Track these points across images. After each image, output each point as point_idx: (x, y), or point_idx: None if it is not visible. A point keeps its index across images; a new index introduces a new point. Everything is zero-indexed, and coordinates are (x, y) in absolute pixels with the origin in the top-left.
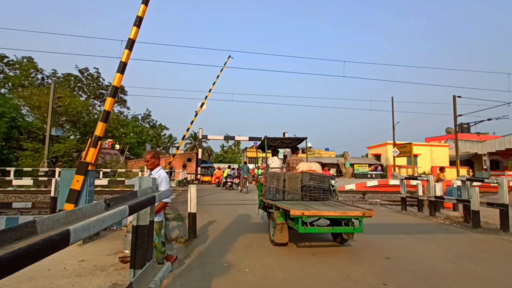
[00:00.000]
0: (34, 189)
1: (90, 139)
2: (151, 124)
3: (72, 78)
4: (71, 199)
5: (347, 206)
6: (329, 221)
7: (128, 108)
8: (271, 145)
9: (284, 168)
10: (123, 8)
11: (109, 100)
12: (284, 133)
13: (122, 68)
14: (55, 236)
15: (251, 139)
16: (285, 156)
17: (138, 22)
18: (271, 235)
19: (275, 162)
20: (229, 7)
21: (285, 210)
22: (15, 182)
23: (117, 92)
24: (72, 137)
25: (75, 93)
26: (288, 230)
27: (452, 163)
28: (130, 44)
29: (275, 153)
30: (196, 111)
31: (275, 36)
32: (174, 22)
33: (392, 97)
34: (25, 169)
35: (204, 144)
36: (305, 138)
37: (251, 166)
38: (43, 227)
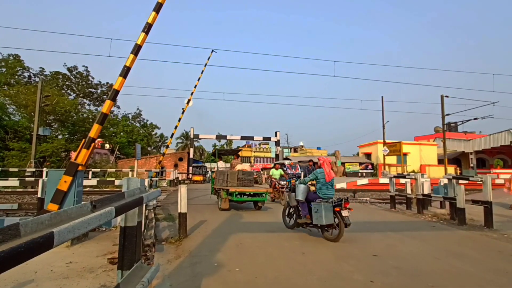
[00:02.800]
0: (21, 190)
1: (83, 139)
2: (142, 123)
3: (60, 76)
4: (56, 200)
5: (260, 187)
6: (251, 197)
7: (118, 107)
8: (220, 153)
9: (228, 168)
10: (118, 8)
11: (108, 102)
12: (276, 132)
13: (125, 72)
14: (39, 239)
15: (243, 138)
16: (277, 155)
17: (147, 28)
18: (219, 205)
19: (221, 164)
20: (222, 6)
21: (227, 189)
22: (1, 183)
23: (117, 95)
24: (60, 137)
25: (64, 91)
26: (229, 202)
27: (440, 161)
28: (136, 50)
29: (220, 158)
30: (183, 108)
31: (268, 36)
32: (167, 23)
33: (382, 97)
34: (11, 169)
35: (195, 144)
36: (240, 150)
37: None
38: (27, 230)
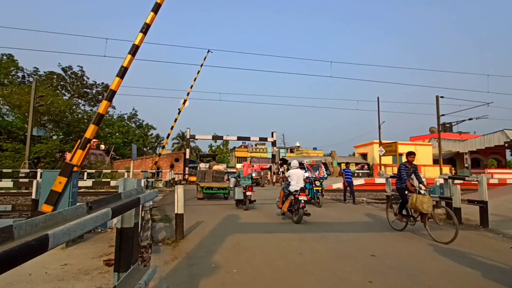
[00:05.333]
0: (15, 191)
1: (79, 140)
2: (138, 123)
3: (55, 76)
4: (50, 201)
5: (224, 183)
6: (217, 189)
7: (114, 107)
8: (202, 157)
9: (208, 168)
10: (111, 8)
11: (104, 103)
12: (272, 133)
13: (122, 72)
14: (33, 242)
15: (239, 138)
16: (273, 155)
17: (145, 29)
18: (197, 195)
19: (202, 165)
20: (217, 6)
21: (201, 184)
22: None
23: (114, 96)
24: (54, 137)
25: (58, 92)
26: (203, 193)
27: (435, 161)
28: (134, 50)
29: (201, 161)
30: (179, 109)
31: (263, 36)
32: (163, 23)
33: (378, 97)
34: (4, 170)
35: (192, 144)
36: (217, 155)
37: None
38: (21, 232)
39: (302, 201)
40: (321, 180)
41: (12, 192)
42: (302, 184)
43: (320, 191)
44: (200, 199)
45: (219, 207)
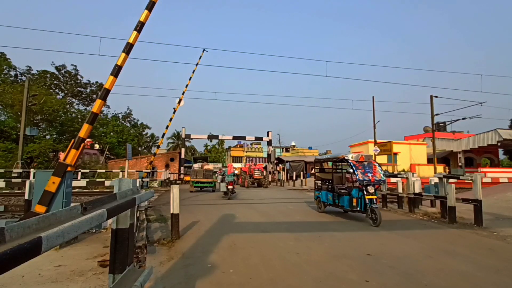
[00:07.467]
0: (7, 191)
1: (73, 140)
2: (132, 123)
3: (48, 75)
4: (43, 201)
5: (211, 178)
6: (205, 183)
7: (108, 107)
8: (196, 158)
9: (200, 167)
10: (108, 7)
11: (98, 102)
12: (268, 132)
13: (116, 71)
14: (25, 244)
15: (235, 138)
16: (269, 154)
17: (139, 27)
18: (190, 189)
19: (196, 166)
20: (213, 5)
21: (192, 179)
22: None
23: (108, 94)
24: (48, 137)
25: (52, 91)
26: (194, 187)
27: (430, 160)
28: (128, 48)
29: (195, 162)
30: (174, 108)
31: (260, 35)
32: (159, 22)
33: (373, 97)
34: None
35: (187, 144)
36: (208, 156)
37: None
38: (13, 235)
39: (232, 186)
40: (376, 185)
41: (4, 192)
42: (233, 177)
43: (375, 200)
44: (192, 192)
45: (215, 207)
